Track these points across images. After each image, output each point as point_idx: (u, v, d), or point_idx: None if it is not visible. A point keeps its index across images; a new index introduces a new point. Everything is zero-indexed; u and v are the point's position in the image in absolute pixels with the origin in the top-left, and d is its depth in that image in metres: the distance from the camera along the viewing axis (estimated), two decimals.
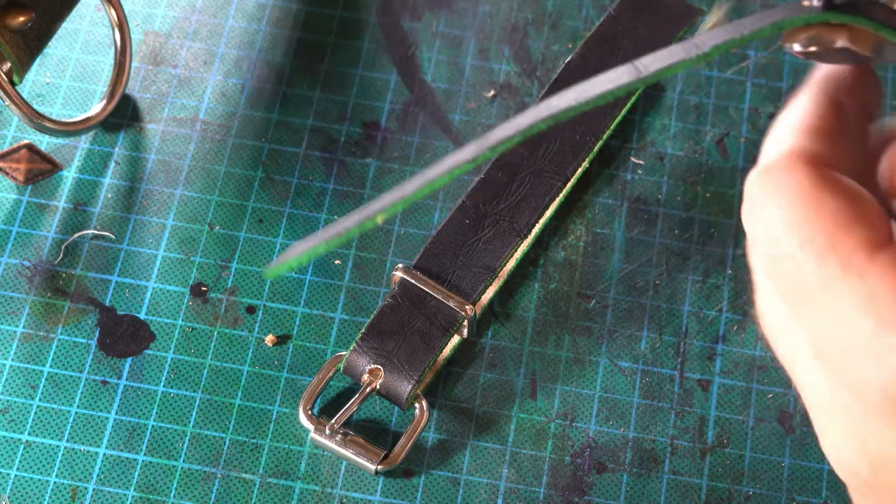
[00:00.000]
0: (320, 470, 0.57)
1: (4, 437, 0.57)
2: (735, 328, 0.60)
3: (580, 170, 0.62)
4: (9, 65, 0.59)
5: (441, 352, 0.58)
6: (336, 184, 0.63)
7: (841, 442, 0.38)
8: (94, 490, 0.56)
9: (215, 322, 0.60)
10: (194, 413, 0.58)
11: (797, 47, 0.40)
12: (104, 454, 0.57)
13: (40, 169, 0.63)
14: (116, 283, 0.60)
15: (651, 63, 0.39)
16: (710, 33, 0.40)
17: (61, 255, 0.61)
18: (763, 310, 0.41)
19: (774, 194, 0.39)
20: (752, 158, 0.64)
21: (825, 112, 0.41)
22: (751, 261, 0.41)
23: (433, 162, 0.64)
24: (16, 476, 0.56)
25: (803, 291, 0.38)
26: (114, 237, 0.62)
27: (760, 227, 0.39)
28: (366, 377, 0.57)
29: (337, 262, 0.61)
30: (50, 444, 0.57)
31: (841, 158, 0.40)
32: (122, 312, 0.60)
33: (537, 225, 0.61)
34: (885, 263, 0.37)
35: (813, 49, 0.40)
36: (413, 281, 0.58)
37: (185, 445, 0.57)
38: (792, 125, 0.41)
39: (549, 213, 0.61)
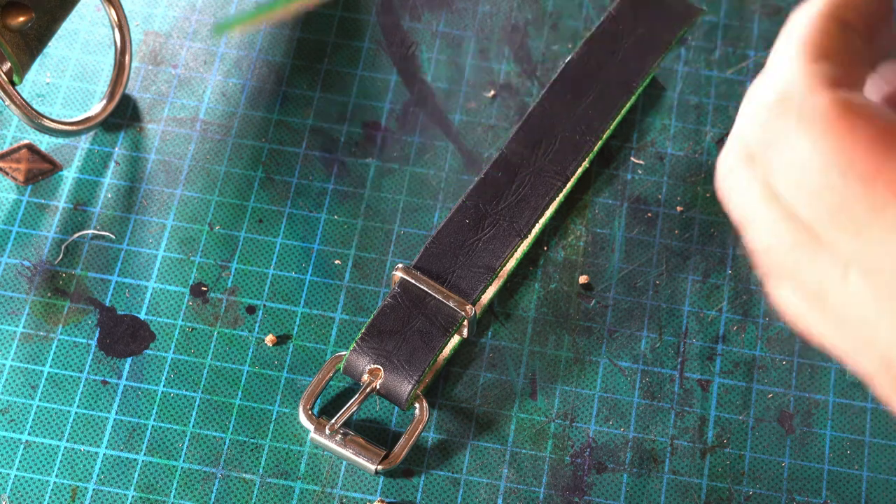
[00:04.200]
0: (320, 470, 0.57)
1: (4, 437, 0.57)
2: (735, 328, 0.60)
3: (580, 170, 0.62)
4: (9, 65, 0.59)
5: (441, 352, 0.58)
6: (336, 184, 0.63)
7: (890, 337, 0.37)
8: (94, 490, 0.56)
9: (215, 322, 0.60)
10: (194, 413, 0.58)
11: None
12: (104, 454, 0.57)
13: (40, 169, 0.63)
14: (116, 283, 0.60)
15: None
16: None
17: (61, 255, 0.61)
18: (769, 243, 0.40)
19: (799, 124, 0.37)
20: None
21: (832, 29, 0.39)
22: (747, 184, 0.39)
23: (433, 161, 0.64)
24: (16, 476, 0.56)
25: (849, 218, 0.37)
26: (114, 237, 0.62)
27: (785, 159, 0.37)
28: (366, 377, 0.57)
29: (337, 262, 0.61)
30: (50, 444, 0.57)
31: (855, 81, 0.38)
32: (122, 312, 0.60)
33: (537, 225, 0.61)
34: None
35: None
36: (413, 281, 0.58)
37: (185, 445, 0.57)
38: (798, 42, 0.39)
39: (549, 213, 0.61)
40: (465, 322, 0.58)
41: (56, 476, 0.56)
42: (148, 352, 0.59)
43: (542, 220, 0.61)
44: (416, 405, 0.57)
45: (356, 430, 0.58)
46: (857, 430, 0.58)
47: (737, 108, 0.65)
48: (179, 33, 0.67)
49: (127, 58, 0.64)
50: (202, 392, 0.58)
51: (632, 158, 0.64)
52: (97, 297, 0.60)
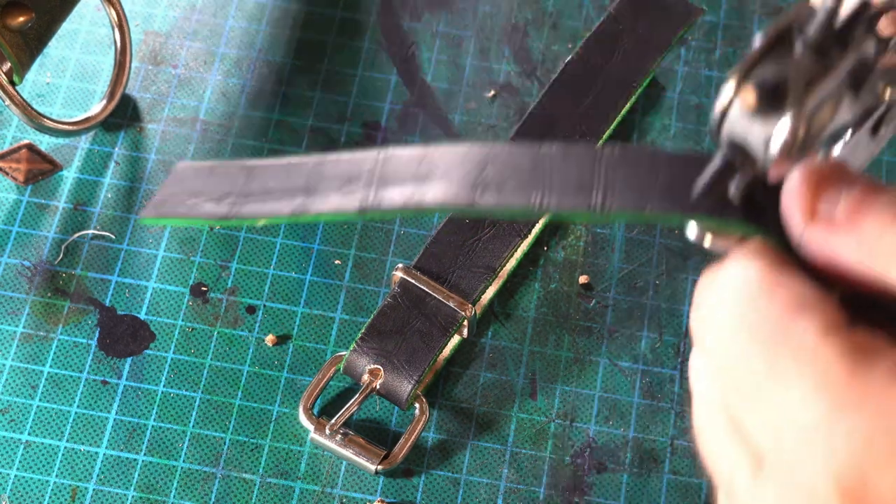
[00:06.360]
0: (320, 470, 0.57)
1: (4, 437, 0.57)
2: None
3: None
4: (9, 65, 0.59)
5: (441, 352, 0.58)
6: None
7: None
8: (94, 490, 0.56)
9: (215, 322, 0.60)
10: (194, 413, 0.58)
11: (692, 234, 0.37)
12: (104, 454, 0.57)
13: (40, 169, 0.63)
14: (116, 283, 0.60)
15: (554, 201, 0.37)
16: (622, 192, 0.36)
17: (61, 255, 0.61)
18: (701, 425, 0.38)
19: (727, 289, 0.36)
20: None
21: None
22: (691, 370, 0.38)
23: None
24: (16, 476, 0.56)
25: (751, 388, 0.35)
26: (114, 237, 0.62)
27: (712, 330, 0.36)
28: (366, 377, 0.57)
29: (337, 262, 0.61)
30: (50, 444, 0.57)
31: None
32: (122, 312, 0.60)
33: (537, 225, 0.61)
34: (837, 346, 0.34)
35: (710, 241, 0.37)
36: (413, 281, 0.58)
37: (185, 445, 0.57)
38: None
39: None
40: (465, 322, 0.58)
41: (56, 476, 0.56)
42: (148, 352, 0.59)
43: (542, 220, 0.61)
44: (416, 405, 0.57)
45: (356, 430, 0.58)
46: None
47: None
48: (179, 33, 0.67)
49: (127, 58, 0.64)
50: (202, 392, 0.58)
51: None
52: (97, 297, 0.60)
